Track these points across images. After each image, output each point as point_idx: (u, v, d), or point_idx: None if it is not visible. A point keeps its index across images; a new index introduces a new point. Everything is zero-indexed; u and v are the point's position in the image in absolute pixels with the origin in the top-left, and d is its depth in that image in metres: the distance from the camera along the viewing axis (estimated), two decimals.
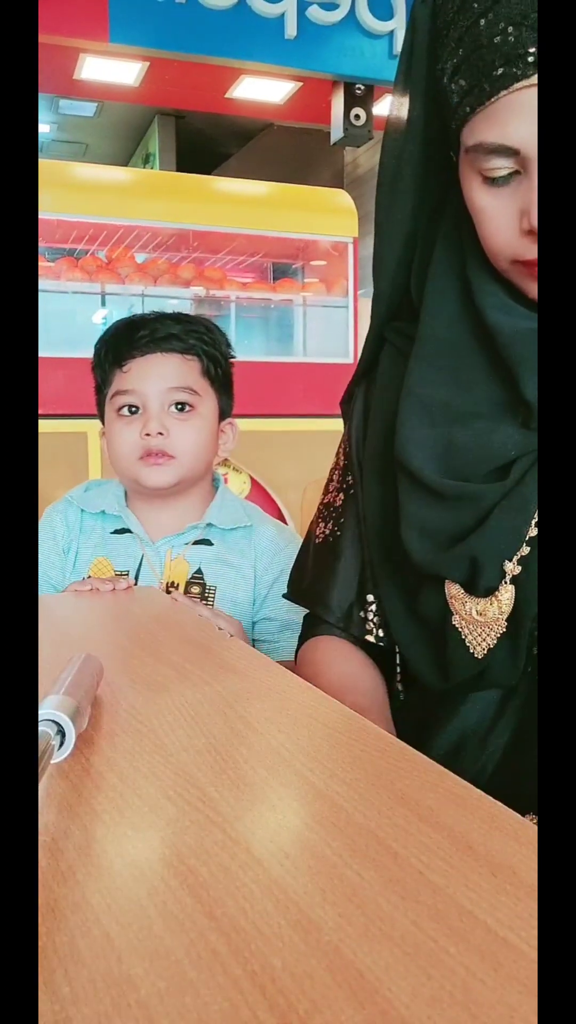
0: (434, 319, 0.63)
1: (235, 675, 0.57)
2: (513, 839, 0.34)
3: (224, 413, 1.12)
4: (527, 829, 0.35)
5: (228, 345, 1.12)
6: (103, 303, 3.61)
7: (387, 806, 0.38)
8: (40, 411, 2.56)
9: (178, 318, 1.08)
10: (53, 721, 0.42)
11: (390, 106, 0.66)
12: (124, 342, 1.05)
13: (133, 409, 1.05)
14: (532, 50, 0.49)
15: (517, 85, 0.50)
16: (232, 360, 1.14)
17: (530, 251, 0.55)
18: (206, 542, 1.09)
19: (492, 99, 0.52)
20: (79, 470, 3.03)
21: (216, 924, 0.29)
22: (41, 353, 2.97)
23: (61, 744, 0.41)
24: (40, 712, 0.42)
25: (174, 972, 0.26)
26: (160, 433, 1.03)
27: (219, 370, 1.10)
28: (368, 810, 0.37)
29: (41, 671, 0.58)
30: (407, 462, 0.62)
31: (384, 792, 0.39)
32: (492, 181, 0.55)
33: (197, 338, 1.06)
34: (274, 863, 0.33)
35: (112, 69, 4.02)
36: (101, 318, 3.68)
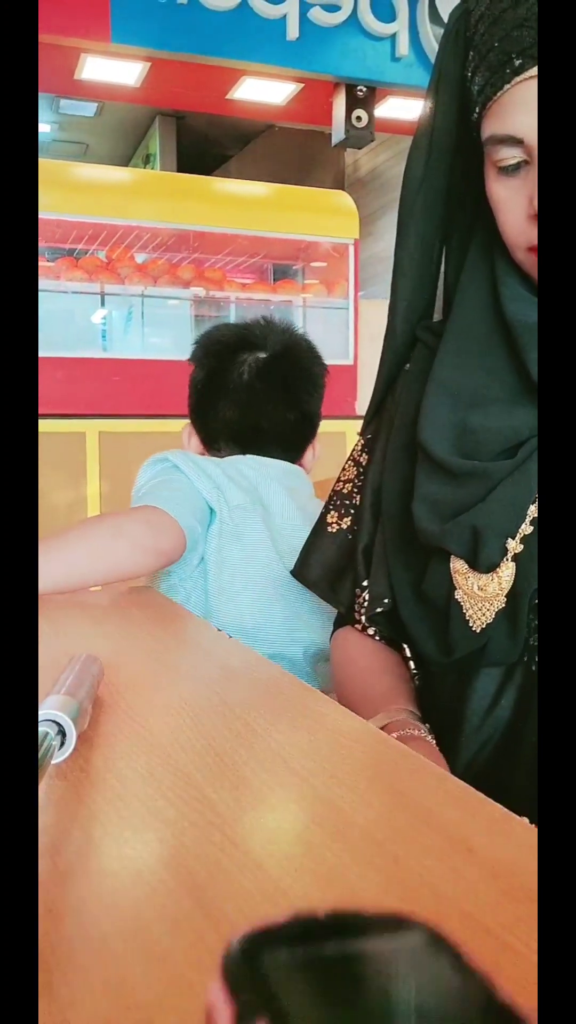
0: (464, 310, 0.68)
1: (235, 676, 0.57)
2: (514, 842, 0.34)
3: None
4: (528, 832, 0.35)
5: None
6: (103, 303, 3.62)
7: (387, 808, 0.37)
8: (39, 411, 2.55)
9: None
10: (54, 721, 0.41)
11: (421, 112, 0.69)
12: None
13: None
14: (532, 47, 0.55)
15: (517, 79, 0.56)
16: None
17: (536, 236, 0.60)
18: None
19: (499, 94, 0.57)
20: (78, 470, 3.04)
21: (215, 926, 0.29)
22: (41, 353, 2.97)
23: (62, 744, 0.41)
24: (41, 712, 0.41)
25: (173, 975, 0.26)
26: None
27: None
28: (368, 812, 0.37)
29: (41, 671, 0.58)
30: (426, 443, 0.66)
31: (384, 794, 0.39)
32: (504, 172, 0.60)
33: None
34: (274, 865, 0.33)
35: (113, 69, 4.02)
36: (100, 318, 3.68)
